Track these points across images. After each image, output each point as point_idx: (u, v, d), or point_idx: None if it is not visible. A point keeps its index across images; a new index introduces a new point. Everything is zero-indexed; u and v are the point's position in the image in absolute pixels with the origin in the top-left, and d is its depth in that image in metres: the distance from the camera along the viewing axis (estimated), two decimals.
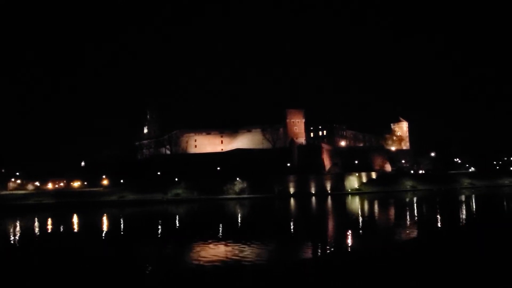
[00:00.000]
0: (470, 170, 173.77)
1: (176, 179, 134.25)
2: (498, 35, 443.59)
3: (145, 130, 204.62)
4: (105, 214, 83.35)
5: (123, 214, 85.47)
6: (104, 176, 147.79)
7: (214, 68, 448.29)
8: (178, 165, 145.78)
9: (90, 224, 66.97)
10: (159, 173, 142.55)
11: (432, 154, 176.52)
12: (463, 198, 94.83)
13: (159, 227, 58.55)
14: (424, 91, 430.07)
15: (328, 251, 34.77)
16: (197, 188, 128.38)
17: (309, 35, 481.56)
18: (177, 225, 61.74)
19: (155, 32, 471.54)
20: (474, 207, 73.37)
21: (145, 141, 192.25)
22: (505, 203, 78.86)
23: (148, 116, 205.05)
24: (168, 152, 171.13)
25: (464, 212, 64.01)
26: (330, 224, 56.50)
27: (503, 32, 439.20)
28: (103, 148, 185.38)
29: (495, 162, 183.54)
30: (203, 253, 34.44)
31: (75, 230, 58.67)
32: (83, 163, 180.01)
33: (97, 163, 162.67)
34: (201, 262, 30.43)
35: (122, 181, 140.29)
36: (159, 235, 50.31)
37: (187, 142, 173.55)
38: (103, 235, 51.80)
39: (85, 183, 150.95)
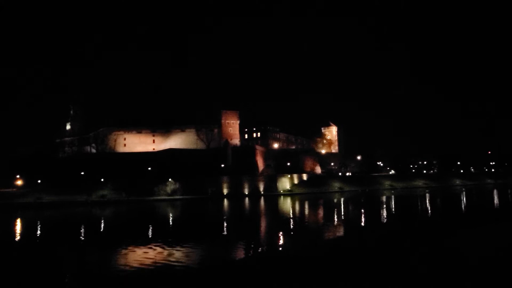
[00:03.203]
0: (390, 172, 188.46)
1: (102, 180, 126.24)
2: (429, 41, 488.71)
3: (68, 127, 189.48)
4: (18, 218, 75.29)
5: (40, 217, 77.90)
6: (18, 176, 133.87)
7: (147, 65, 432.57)
8: (105, 165, 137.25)
9: (1, 229, 59.84)
10: (82, 173, 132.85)
11: (358, 158, 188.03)
12: (384, 198, 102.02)
13: (82, 231, 54.23)
14: (353, 97, 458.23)
15: (260, 251, 34.79)
16: (125, 189, 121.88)
17: (245, 36, 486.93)
18: (102, 228, 57.75)
19: (89, 27, 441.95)
20: (393, 206, 79.26)
21: (67, 139, 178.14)
22: (418, 203, 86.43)
23: (71, 112, 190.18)
24: (93, 150, 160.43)
25: (384, 211, 68.79)
26: (263, 225, 56.97)
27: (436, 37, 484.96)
28: (17, 145, 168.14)
29: (411, 166, 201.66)
30: (130, 258, 32.44)
31: None
32: None
33: (10, 161, 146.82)
34: (128, 267, 28.54)
35: (39, 181, 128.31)
36: (81, 239, 46.52)
37: (115, 140, 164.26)
38: (16, 240, 46.53)
39: None
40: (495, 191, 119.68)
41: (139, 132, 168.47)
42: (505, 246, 26.84)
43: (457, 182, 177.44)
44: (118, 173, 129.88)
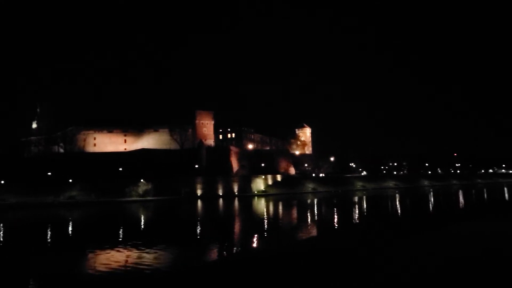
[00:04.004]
0: (362, 174, 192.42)
1: (71, 180, 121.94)
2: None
3: (34, 125, 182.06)
4: None
5: (4, 219, 74.22)
6: None
7: (120, 65, 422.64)
8: (74, 165, 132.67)
9: None
10: (49, 173, 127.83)
11: (332, 159, 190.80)
12: (356, 199, 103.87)
13: (48, 233, 52.03)
14: (328, 99, 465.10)
15: (234, 252, 34.43)
16: (95, 190, 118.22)
17: (219, 37, 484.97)
18: (70, 230, 55.62)
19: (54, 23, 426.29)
20: (364, 207, 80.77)
21: (33, 138, 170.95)
22: (389, 203, 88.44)
23: (38, 110, 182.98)
24: (61, 150, 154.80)
25: (356, 211, 69.97)
26: (237, 226, 56.60)
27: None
28: None
29: (382, 167, 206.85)
30: (99, 260, 31.35)
31: None
32: None
33: None
34: (96, 271, 27.52)
35: (3, 181, 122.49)
36: (48, 242, 44.56)
37: (84, 140, 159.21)
38: None
39: None
40: (460, 192, 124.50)
41: (110, 131, 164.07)
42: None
43: (425, 183, 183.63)
44: (88, 174, 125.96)
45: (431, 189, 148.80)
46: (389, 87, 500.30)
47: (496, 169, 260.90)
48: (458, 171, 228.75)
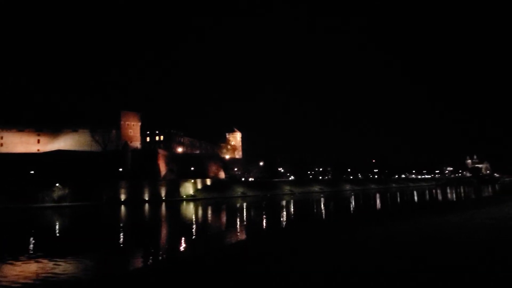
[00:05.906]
0: (290, 178, 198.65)
1: None
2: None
3: None
4: None
5: None
6: None
7: (35, 60, 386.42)
8: None
9: None
10: None
11: (261, 164, 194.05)
12: (284, 203, 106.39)
13: None
14: (257, 106, 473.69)
15: (160, 259, 32.66)
16: (1, 195, 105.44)
17: (150, 37, 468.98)
18: None
19: None
20: (292, 210, 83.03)
21: None
22: (314, 207, 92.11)
23: None
24: None
25: (284, 215, 71.57)
26: (163, 231, 54.28)
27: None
28: None
29: (309, 172, 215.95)
30: (4, 273, 27.42)
31: None
32: None
33: None
34: (2, 286, 23.98)
35: None
36: None
37: None
38: None
39: None
40: (377, 195, 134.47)
41: (21, 130, 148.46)
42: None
43: (347, 187, 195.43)
44: None
45: (352, 193, 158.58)
46: (317, 96, 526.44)
47: (407, 174, 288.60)
48: (376, 176, 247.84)
